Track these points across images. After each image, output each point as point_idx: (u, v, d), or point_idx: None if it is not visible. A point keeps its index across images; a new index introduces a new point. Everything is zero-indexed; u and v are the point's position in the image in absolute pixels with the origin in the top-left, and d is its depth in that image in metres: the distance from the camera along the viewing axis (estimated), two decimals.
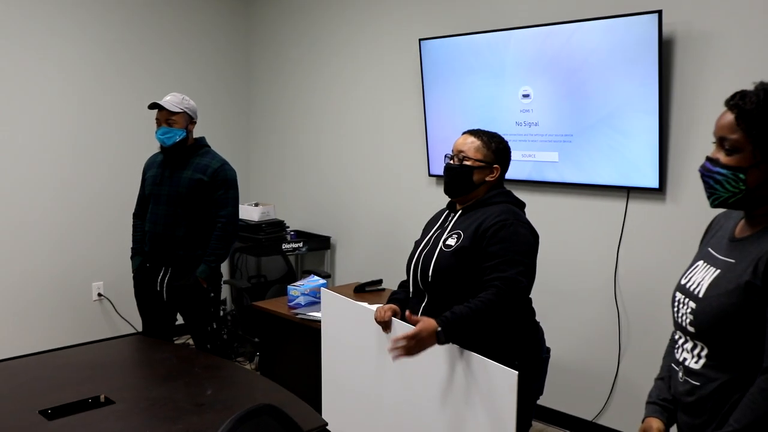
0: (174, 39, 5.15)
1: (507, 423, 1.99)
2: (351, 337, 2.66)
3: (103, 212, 4.80)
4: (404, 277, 2.69)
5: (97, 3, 4.69)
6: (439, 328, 2.13)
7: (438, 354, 2.22)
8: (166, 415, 2.29)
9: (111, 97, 4.84)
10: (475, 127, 2.61)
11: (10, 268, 4.42)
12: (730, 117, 1.56)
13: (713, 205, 1.63)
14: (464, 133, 2.52)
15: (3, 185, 4.41)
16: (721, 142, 1.59)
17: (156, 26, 5.02)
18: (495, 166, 2.45)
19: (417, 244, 2.57)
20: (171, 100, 3.49)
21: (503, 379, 1.99)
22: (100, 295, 4.81)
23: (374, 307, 2.50)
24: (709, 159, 1.61)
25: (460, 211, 2.48)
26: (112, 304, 4.84)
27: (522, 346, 2.39)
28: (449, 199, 2.57)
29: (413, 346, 2.12)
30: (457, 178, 2.44)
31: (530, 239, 2.36)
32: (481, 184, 2.44)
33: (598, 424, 3.74)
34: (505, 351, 2.25)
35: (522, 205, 2.49)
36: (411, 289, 2.55)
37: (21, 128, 4.47)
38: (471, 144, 2.45)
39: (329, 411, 2.75)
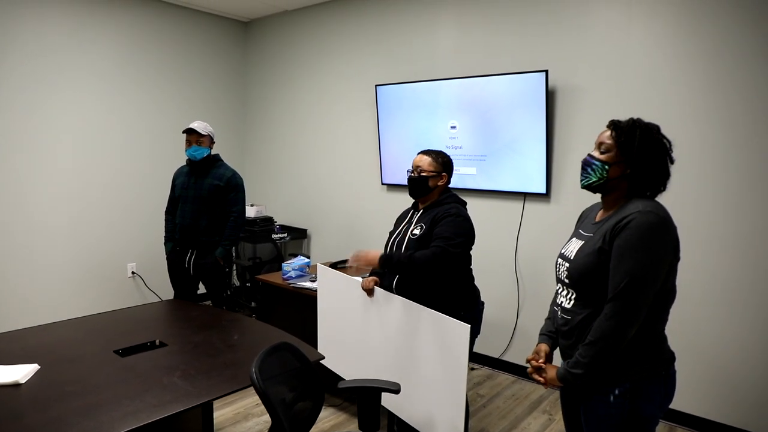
0: (192, 85, 5.07)
1: (461, 359, 2.01)
2: (341, 299, 2.62)
3: (136, 211, 4.76)
4: None
5: (128, 49, 4.60)
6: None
7: (405, 311, 2.22)
8: (208, 353, 2.28)
9: (146, 123, 4.77)
10: (418, 149, 2.62)
11: (67, 252, 4.37)
12: (608, 131, 1.64)
13: (583, 186, 1.68)
14: (419, 153, 2.52)
15: (65, 192, 4.32)
16: (599, 146, 1.65)
17: (180, 72, 4.94)
18: (443, 174, 2.47)
19: (391, 234, 2.57)
20: (199, 126, 3.44)
21: (458, 330, 2.00)
22: (133, 273, 4.77)
23: (360, 278, 2.51)
24: (589, 154, 1.67)
25: (422, 210, 2.49)
26: (142, 279, 4.81)
27: (465, 301, 2.43)
28: (412, 201, 2.58)
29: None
30: (417, 185, 2.47)
31: (465, 224, 2.37)
32: (434, 188, 2.47)
33: (503, 359, 3.86)
34: (454, 305, 2.32)
35: (464, 203, 2.50)
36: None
37: (77, 152, 4.37)
38: (425, 160, 2.47)
39: (323, 351, 2.71)
